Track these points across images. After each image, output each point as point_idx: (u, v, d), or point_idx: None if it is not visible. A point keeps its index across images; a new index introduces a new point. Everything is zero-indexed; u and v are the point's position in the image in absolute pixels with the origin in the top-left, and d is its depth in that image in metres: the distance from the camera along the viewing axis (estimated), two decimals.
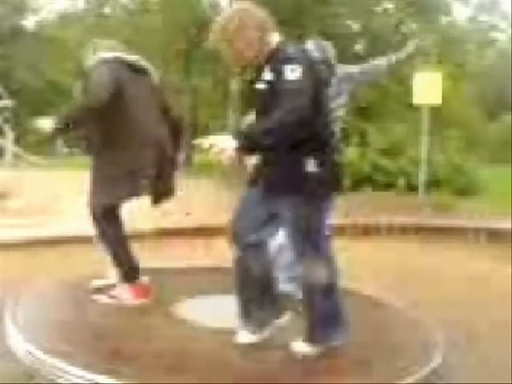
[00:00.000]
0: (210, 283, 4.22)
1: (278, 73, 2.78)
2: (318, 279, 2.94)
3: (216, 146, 2.71)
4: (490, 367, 3.38)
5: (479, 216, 8.71)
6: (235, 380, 2.76)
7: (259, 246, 3.06)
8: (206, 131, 29.19)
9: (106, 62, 3.58)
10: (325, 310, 3.01)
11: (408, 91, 10.18)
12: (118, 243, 3.65)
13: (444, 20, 18.63)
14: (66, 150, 25.90)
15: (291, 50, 2.89)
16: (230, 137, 2.72)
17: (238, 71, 3.44)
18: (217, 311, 3.67)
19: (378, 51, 16.54)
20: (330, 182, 2.95)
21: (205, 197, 10.86)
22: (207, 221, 7.77)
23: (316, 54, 3.79)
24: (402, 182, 11.73)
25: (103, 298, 3.64)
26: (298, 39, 3.08)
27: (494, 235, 7.53)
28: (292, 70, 2.74)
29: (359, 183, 10.74)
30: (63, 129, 3.35)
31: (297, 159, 2.85)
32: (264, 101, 2.87)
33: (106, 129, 3.51)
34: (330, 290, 3.00)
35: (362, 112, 13.57)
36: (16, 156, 21.69)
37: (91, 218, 3.64)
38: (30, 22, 31.36)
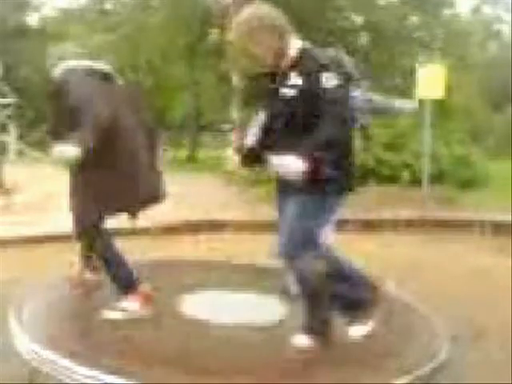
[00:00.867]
0: (208, 278, 4.22)
1: (311, 79, 2.78)
2: (313, 273, 2.93)
3: (284, 166, 2.73)
4: (495, 363, 3.37)
5: (483, 209, 8.69)
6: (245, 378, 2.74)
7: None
8: (209, 126, 29.21)
9: (81, 73, 3.42)
10: (311, 303, 3.01)
11: (411, 85, 10.13)
12: (111, 255, 3.50)
13: (447, 13, 18.58)
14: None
15: (322, 55, 2.86)
16: (295, 158, 2.71)
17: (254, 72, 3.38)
18: (217, 306, 3.66)
19: (381, 45, 16.59)
20: (342, 181, 2.95)
21: (208, 192, 10.86)
22: (210, 216, 7.78)
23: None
24: (405, 175, 11.70)
25: (113, 314, 3.39)
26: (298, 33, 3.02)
27: (499, 228, 7.51)
28: (328, 78, 2.75)
29: (363, 177, 10.72)
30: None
31: (313, 156, 2.80)
32: (291, 106, 2.84)
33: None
34: (326, 281, 2.98)
35: None
36: (19, 152, 21.74)
37: (81, 233, 3.52)
38: (32, 19, 31.37)
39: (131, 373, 2.61)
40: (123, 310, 3.40)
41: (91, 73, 3.46)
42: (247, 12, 2.89)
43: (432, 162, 9.76)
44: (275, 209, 3.14)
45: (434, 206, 8.72)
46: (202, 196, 10.25)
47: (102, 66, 3.59)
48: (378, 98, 4.11)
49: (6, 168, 11.25)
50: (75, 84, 3.36)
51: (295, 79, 2.83)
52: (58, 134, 3.37)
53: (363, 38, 17.98)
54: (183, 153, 24.52)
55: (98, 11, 21.50)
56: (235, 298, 3.84)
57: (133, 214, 3.66)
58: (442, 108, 11.70)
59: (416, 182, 10.38)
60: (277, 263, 4.41)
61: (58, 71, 3.52)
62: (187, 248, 6.20)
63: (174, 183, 12.90)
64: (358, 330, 3.10)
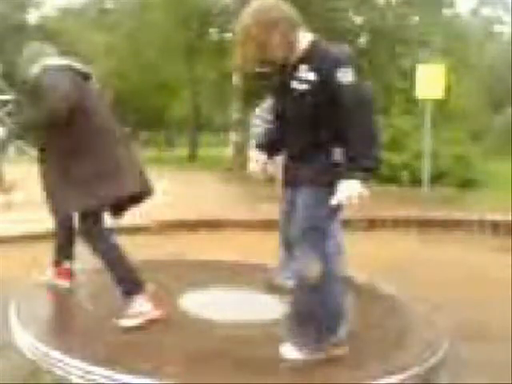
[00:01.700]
0: (209, 276, 4.22)
1: (325, 74, 2.75)
2: (312, 274, 2.81)
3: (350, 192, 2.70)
4: (494, 362, 3.37)
5: (483, 208, 8.70)
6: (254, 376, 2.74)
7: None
8: (209, 125, 29.21)
9: (58, 69, 3.38)
10: (306, 313, 2.89)
11: (411, 85, 10.15)
12: (114, 256, 3.38)
13: (447, 13, 18.59)
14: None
15: (334, 50, 2.84)
16: (354, 181, 2.69)
17: (260, 67, 3.38)
18: (220, 305, 3.66)
19: (380, 45, 16.59)
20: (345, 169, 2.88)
21: (208, 190, 10.87)
22: (211, 214, 7.78)
23: None
24: (405, 175, 11.72)
25: (131, 322, 3.24)
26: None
27: (498, 227, 7.52)
28: (344, 73, 2.73)
29: None
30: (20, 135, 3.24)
31: (324, 150, 2.83)
32: (301, 99, 2.82)
33: (73, 133, 3.30)
34: (328, 287, 2.87)
35: None
36: (19, 150, 21.72)
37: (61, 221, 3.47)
38: (32, 17, 31.37)
39: (134, 370, 2.62)
40: (139, 315, 3.25)
41: (69, 70, 3.44)
42: (258, 4, 2.86)
43: (432, 162, 9.76)
44: (285, 202, 3.08)
45: (433, 206, 8.72)
46: (202, 194, 10.26)
47: (79, 65, 3.57)
48: None
49: (5, 166, 11.24)
50: (51, 79, 3.31)
51: (306, 73, 2.80)
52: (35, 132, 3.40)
53: (363, 38, 17.98)
54: (183, 151, 24.53)
55: (98, 10, 21.51)
56: (237, 297, 3.84)
57: (118, 209, 3.58)
58: (441, 108, 11.71)
59: (416, 181, 10.40)
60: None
61: (34, 70, 3.48)
62: (187, 246, 6.19)
63: (173, 182, 12.97)
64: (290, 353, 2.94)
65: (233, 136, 16.95)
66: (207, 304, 3.65)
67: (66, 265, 3.88)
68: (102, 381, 2.60)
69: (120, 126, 3.75)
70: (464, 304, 4.38)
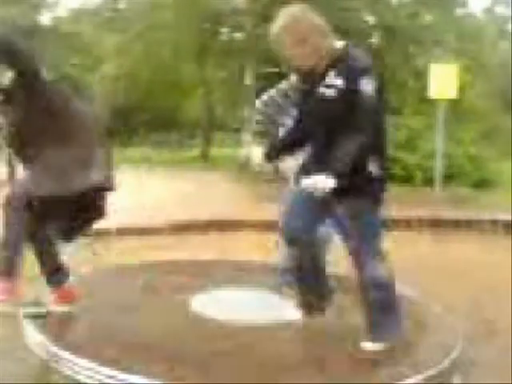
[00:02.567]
0: (219, 277, 4.23)
1: (351, 81, 2.80)
2: (382, 278, 3.00)
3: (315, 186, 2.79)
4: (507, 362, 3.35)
5: (496, 208, 8.65)
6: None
7: (312, 245, 3.11)
8: (222, 125, 29.22)
9: None
10: (391, 306, 3.07)
11: (424, 85, 10.11)
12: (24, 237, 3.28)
13: (460, 12, 18.50)
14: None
15: (362, 57, 2.90)
16: (325, 177, 2.77)
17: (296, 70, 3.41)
18: (229, 305, 3.67)
19: (393, 45, 16.53)
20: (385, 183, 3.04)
21: (219, 190, 10.88)
22: (222, 214, 7.78)
23: None
24: (418, 175, 11.68)
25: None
26: None
27: (510, 227, 7.47)
28: (367, 83, 2.79)
29: None
30: None
31: (362, 162, 2.89)
32: (329, 105, 2.87)
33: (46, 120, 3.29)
34: (390, 286, 3.08)
35: None
36: None
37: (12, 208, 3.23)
38: (46, 18, 31.52)
39: (145, 371, 2.62)
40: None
41: None
42: (289, 13, 2.89)
43: (445, 162, 9.72)
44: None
45: (446, 206, 8.69)
46: (214, 194, 10.27)
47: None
48: None
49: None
50: None
51: (334, 79, 2.85)
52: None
53: (376, 38, 17.92)
54: (196, 151, 24.55)
55: (111, 10, 21.56)
56: (247, 297, 3.85)
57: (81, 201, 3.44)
58: (454, 108, 11.65)
59: (429, 181, 10.36)
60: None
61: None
62: (198, 246, 6.21)
63: (186, 181, 13.01)
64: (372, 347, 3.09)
65: (245, 136, 16.94)
66: (218, 305, 3.66)
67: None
68: (112, 381, 2.61)
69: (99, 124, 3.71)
70: (477, 304, 4.37)
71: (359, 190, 2.92)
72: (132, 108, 29.17)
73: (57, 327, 3.13)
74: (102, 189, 3.48)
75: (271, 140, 3.49)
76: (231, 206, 8.85)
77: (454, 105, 11.19)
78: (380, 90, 2.86)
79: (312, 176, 2.81)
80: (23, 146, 3.38)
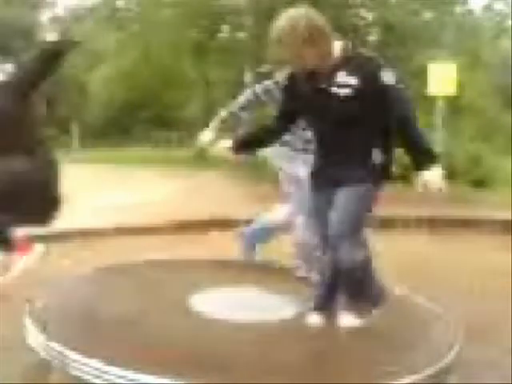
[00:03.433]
0: (218, 276, 4.23)
1: (368, 77, 2.86)
2: (359, 257, 3.02)
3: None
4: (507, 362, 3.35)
5: (495, 207, 8.64)
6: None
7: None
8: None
9: None
10: (364, 284, 3.14)
11: (423, 82, 10.10)
12: None
13: (459, 9, 18.47)
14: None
15: (369, 54, 2.98)
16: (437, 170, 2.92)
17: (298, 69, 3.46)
18: (229, 304, 3.66)
19: (392, 42, 16.51)
20: (388, 171, 3.10)
21: (217, 189, 10.88)
22: (220, 213, 7.78)
23: None
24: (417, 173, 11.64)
25: None
26: None
27: (510, 226, 7.46)
28: (387, 75, 2.88)
29: None
30: None
31: (365, 152, 2.99)
32: (345, 105, 2.91)
33: None
34: (367, 266, 3.11)
35: None
36: None
37: None
38: (45, 18, 31.50)
39: (146, 370, 2.62)
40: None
41: None
42: (292, 14, 2.91)
43: (444, 160, 9.71)
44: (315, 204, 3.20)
45: (445, 205, 8.67)
46: (213, 193, 10.26)
47: None
48: None
49: None
50: None
51: (346, 78, 2.88)
52: None
53: (374, 35, 17.90)
54: (194, 150, 24.53)
55: (110, 8, 21.52)
56: (247, 296, 3.84)
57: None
58: (454, 106, 11.65)
59: None
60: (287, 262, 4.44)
61: None
62: (197, 245, 6.20)
63: (184, 180, 13.03)
64: (349, 321, 3.18)
65: None
66: (217, 304, 3.66)
67: None
68: (117, 381, 2.61)
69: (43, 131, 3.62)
70: (476, 304, 4.36)
71: (361, 177, 2.98)
72: (131, 106, 29.17)
73: (58, 326, 3.11)
74: (30, 181, 3.33)
75: (242, 132, 3.54)
76: (230, 204, 8.84)
77: (453, 102, 11.18)
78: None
79: (425, 172, 2.90)
80: None
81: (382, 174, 3.06)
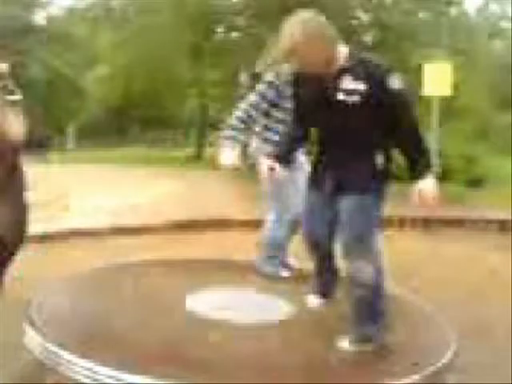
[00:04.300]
0: (213, 276, 4.23)
1: (376, 82, 2.85)
2: (368, 276, 2.96)
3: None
4: (502, 362, 3.36)
5: (490, 207, 8.67)
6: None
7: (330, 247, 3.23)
8: (217, 124, 29.17)
9: None
10: (373, 308, 3.03)
11: (418, 83, 10.12)
12: None
13: (454, 10, 18.52)
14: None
15: (378, 59, 2.97)
16: (431, 180, 2.95)
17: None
18: (224, 305, 3.66)
19: (387, 43, 16.54)
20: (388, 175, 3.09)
21: (213, 190, 10.88)
22: (217, 214, 7.78)
23: None
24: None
25: None
26: None
27: (505, 226, 7.50)
28: (394, 80, 2.87)
29: None
30: None
31: (369, 156, 2.97)
32: (354, 110, 2.89)
33: None
34: (378, 288, 3.03)
35: None
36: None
37: None
38: (39, 17, 31.45)
39: (144, 370, 2.62)
40: None
41: None
42: (299, 18, 2.89)
43: (438, 160, 9.73)
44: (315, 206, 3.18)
45: (440, 204, 8.70)
46: (208, 194, 10.26)
47: None
48: None
49: None
50: None
51: (353, 84, 2.87)
52: None
53: (370, 36, 17.93)
54: (190, 150, 24.54)
55: (104, 9, 21.50)
56: (242, 297, 3.84)
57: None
58: (448, 106, 11.68)
59: None
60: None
61: None
62: (193, 246, 6.20)
63: (180, 181, 13.00)
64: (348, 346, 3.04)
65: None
66: (214, 304, 3.65)
67: None
68: (110, 381, 2.61)
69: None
70: (471, 303, 4.38)
71: (365, 184, 2.97)
72: (126, 107, 29.15)
73: (55, 327, 3.11)
74: None
75: (279, 144, 3.49)
76: (225, 204, 8.84)
77: (448, 103, 11.21)
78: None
79: (420, 181, 2.95)
80: None
81: (385, 179, 3.06)
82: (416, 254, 6.12)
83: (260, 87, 4.16)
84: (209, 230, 7.04)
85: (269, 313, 3.53)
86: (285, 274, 4.29)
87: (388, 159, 3.04)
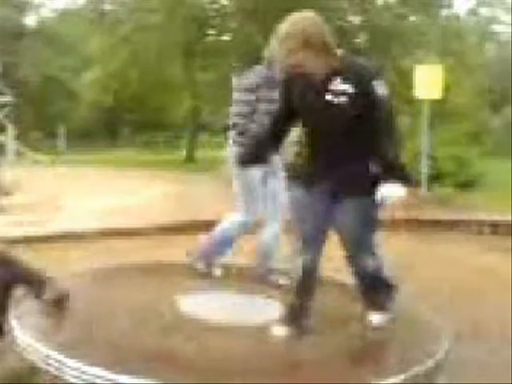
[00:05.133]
0: (205, 278, 4.23)
1: (364, 86, 2.87)
2: (371, 270, 3.15)
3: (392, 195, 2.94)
4: (496, 363, 3.37)
5: (481, 209, 8.70)
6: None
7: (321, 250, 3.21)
8: (209, 126, 29.17)
9: None
10: (379, 287, 3.25)
11: (409, 85, 10.16)
12: None
13: (445, 13, 18.61)
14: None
15: (367, 63, 3.00)
16: (399, 186, 2.91)
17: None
18: (216, 308, 3.66)
19: (378, 45, 16.60)
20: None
21: (205, 192, 10.87)
22: (210, 216, 7.77)
23: None
24: None
25: None
26: None
27: (496, 228, 7.53)
28: (380, 85, 2.90)
29: None
30: None
31: (360, 159, 2.99)
32: (340, 111, 2.92)
33: None
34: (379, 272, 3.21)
35: None
36: (18, 153, 21.71)
37: None
38: (31, 20, 31.40)
39: (133, 371, 2.61)
40: None
41: None
42: (296, 18, 2.91)
43: (430, 162, 9.76)
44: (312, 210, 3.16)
45: (432, 207, 8.73)
46: (201, 196, 10.25)
47: None
48: None
49: (5, 169, 11.24)
50: None
51: (342, 86, 2.89)
52: None
53: (361, 39, 17.98)
54: (182, 153, 24.51)
55: (97, 11, 21.48)
56: (234, 300, 3.84)
57: None
58: (439, 109, 11.71)
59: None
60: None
61: None
62: (185, 248, 6.19)
63: (172, 183, 12.95)
64: (379, 318, 3.26)
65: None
66: (206, 307, 3.65)
67: None
68: (99, 381, 2.60)
69: None
70: (463, 304, 4.39)
71: (361, 188, 2.99)
72: (118, 109, 29.11)
73: (46, 328, 3.10)
74: None
75: (247, 144, 3.53)
76: (219, 207, 8.84)
77: (439, 105, 11.25)
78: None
79: (385, 185, 2.91)
80: None
81: (378, 181, 3.03)
82: (408, 256, 6.13)
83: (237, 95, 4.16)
84: (202, 233, 7.01)
85: (254, 315, 3.53)
86: (217, 272, 4.31)
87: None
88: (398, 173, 2.92)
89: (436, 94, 9.29)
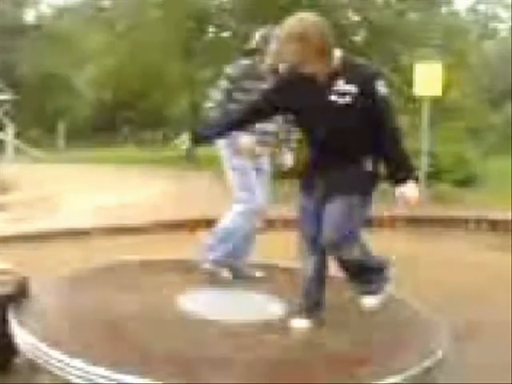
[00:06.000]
0: (204, 276, 4.22)
1: (367, 87, 2.91)
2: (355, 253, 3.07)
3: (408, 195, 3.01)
4: (494, 361, 3.37)
5: (480, 206, 8.70)
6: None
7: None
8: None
9: None
10: (369, 271, 3.19)
11: (409, 83, 10.14)
12: None
13: (444, 10, 18.57)
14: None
15: (368, 64, 3.04)
16: (413, 184, 3.00)
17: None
18: (216, 305, 3.66)
19: (378, 43, 16.56)
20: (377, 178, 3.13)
21: (204, 189, 10.86)
22: (206, 213, 7.76)
23: None
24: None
25: None
26: None
27: (495, 225, 7.53)
28: (381, 85, 2.95)
29: None
30: None
31: (358, 160, 3.03)
32: (345, 111, 2.95)
33: None
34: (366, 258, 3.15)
35: None
36: (17, 150, 21.69)
37: None
38: (30, 16, 31.35)
39: (132, 369, 2.60)
40: None
41: None
42: (297, 18, 2.93)
43: (430, 160, 9.75)
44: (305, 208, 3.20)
45: (431, 204, 8.72)
46: (199, 193, 10.24)
47: None
48: None
49: (4, 166, 11.23)
50: None
51: (346, 86, 2.92)
52: None
53: (360, 36, 17.94)
54: (181, 150, 24.46)
55: (95, 8, 21.43)
56: (234, 297, 3.84)
57: None
58: (439, 106, 11.69)
59: None
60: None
61: None
62: (184, 245, 6.18)
63: (171, 180, 12.99)
64: (372, 300, 3.23)
65: None
66: (206, 304, 3.65)
67: None
68: (102, 381, 2.59)
69: None
70: (462, 303, 4.39)
71: (353, 184, 3.02)
72: (117, 106, 29.06)
73: (46, 327, 3.09)
74: None
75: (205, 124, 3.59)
76: (217, 204, 8.83)
77: (439, 103, 11.23)
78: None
79: (402, 185, 3.00)
80: None
81: (373, 182, 3.11)
82: (406, 253, 6.12)
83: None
84: (201, 230, 7.02)
85: (257, 313, 3.53)
86: (225, 274, 4.24)
87: (377, 165, 3.09)
88: (411, 174, 3.02)
89: (436, 91, 9.28)
